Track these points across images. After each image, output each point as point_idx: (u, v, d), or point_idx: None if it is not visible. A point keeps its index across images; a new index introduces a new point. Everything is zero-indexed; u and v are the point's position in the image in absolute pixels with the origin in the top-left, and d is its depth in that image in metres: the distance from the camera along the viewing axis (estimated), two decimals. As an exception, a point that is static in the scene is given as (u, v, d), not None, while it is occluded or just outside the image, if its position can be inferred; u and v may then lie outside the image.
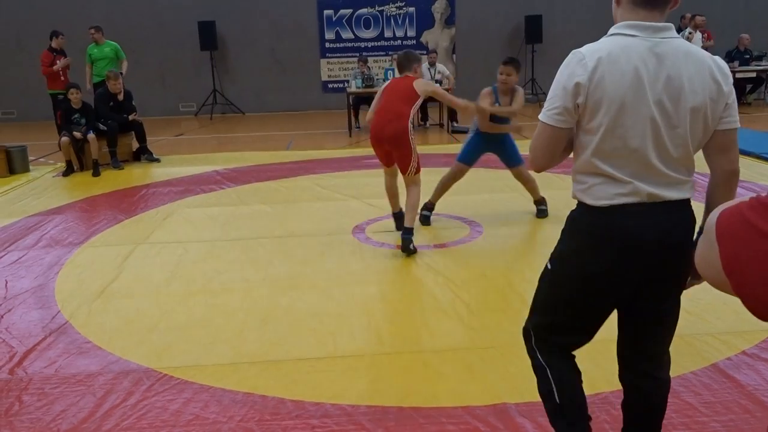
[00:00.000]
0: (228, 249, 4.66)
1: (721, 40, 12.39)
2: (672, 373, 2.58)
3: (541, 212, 5.18)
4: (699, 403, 2.53)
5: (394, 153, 4.50)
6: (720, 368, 2.78)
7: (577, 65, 1.70)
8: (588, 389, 2.65)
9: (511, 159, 5.05)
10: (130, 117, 8.19)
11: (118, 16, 12.66)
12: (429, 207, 5.14)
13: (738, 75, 11.94)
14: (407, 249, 4.32)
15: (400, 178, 4.69)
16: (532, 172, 4.91)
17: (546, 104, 1.79)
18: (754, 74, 12.25)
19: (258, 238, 4.91)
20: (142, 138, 8.33)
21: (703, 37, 11.88)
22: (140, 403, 2.66)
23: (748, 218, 0.77)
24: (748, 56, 12.12)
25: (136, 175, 7.52)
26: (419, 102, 4.53)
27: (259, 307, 3.61)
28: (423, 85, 4.52)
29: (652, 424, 2.06)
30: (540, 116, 1.80)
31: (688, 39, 11.51)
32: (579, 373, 2.09)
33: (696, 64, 1.68)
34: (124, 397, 2.70)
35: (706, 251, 0.83)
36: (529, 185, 5.15)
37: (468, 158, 5.05)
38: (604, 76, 1.66)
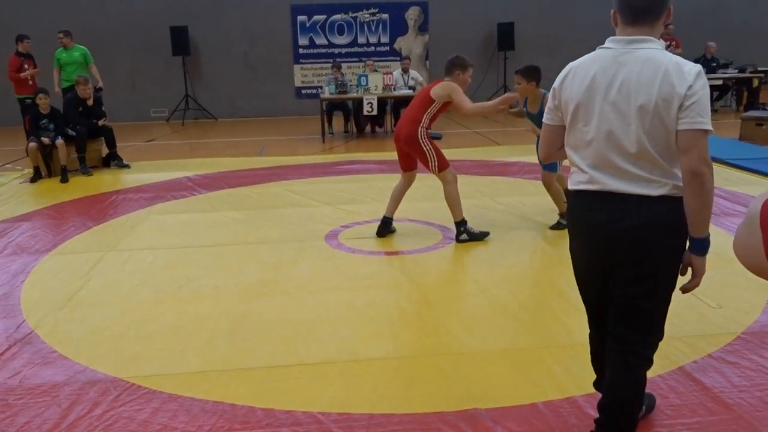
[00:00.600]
0: (199, 256, 4.61)
1: (688, 49, 12.64)
2: (639, 377, 2.62)
3: (559, 225, 4.98)
4: (666, 406, 2.56)
5: (412, 155, 4.82)
6: (686, 371, 2.82)
7: (559, 75, 2.07)
8: (558, 393, 2.69)
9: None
10: (100, 122, 8.08)
11: (88, 20, 12.49)
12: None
13: (705, 83, 12.20)
14: (457, 240, 4.79)
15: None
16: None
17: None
18: (720, 82, 12.53)
19: (229, 244, 4.86)
20: (111, 144, 8.22)
21: (671, 45, 12.13)
22: (107, 413, 2.61)
23: None
24: (714, 64, 12.40)
25: (105, 181, 7.41)
26: (435, 106, 4.64)
27: (229, 315, 3.57)
28: (440, 89, 4.62)
29: (619, 415, 2.13)
30: None
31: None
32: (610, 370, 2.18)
33: (652, 69, 1.86)
34: (90, 408, 2.65)
35: (747, 237, 0.86)
36: (553, 196, 5.05)
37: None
38: (568, 82, 2.02)
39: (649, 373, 2.78)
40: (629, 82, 1.88)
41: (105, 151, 8.29)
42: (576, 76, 1.99)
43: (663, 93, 1.83)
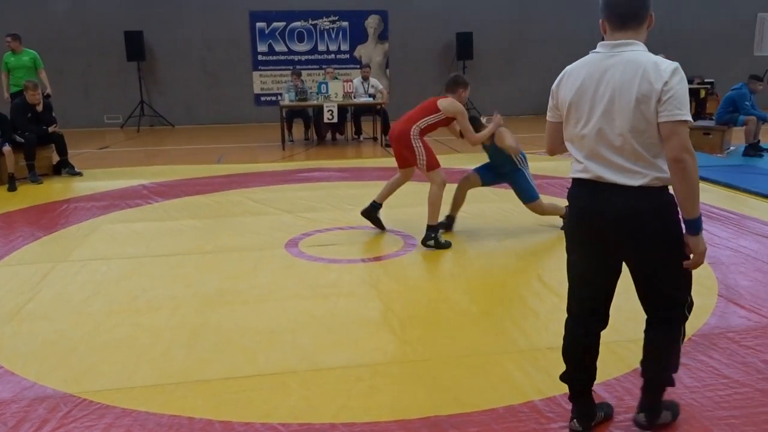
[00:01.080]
0: (154, 266, 4.51)
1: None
2: (596, 380, 2.66)
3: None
4: (622, 407, 2.61)
5: (403, 152, 4.95)
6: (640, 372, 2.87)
7: (558, 77, 2.31)
8: (518, 398, 2.71)
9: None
10: (50, 129, 7.85)
11: (38, 24, 12.15)
12: None
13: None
14: (424, 243, 4.82)
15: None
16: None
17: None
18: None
19: (187, 254, 4.77)
20: (62, 151, 7.99)
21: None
22: (56, 431, 2.51)
23: None
24: (664, 75, 12.75)
25: (56, 189, 7.20)
26: (437, 116, 4.79)
27: (186, 326, 3.50)
28: (449, 104, 4.80)
29: (654, 369, 2.41)
30: None
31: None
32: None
33: (633, 69, 2.07)
34: (38, 426, 2.55)
35: None
36: (548, 214, 5.18)
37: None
38: (563, 83, 2.27)
39: (606, 376, 2.85)
40: (613, 82, 2.10)
41: (56, 158, 8.05)
42: (570, 78, 2.23)
43: (642, 90, 2.04)
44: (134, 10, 12.76)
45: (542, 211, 5.11)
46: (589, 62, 2.19)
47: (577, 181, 2.28)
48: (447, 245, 4.82)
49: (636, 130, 2.07)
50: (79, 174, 7.91)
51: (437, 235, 4.82)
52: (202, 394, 2.79)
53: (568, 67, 2.27)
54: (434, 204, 4.85)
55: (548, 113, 2.39)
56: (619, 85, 2.09)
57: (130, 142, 11.35)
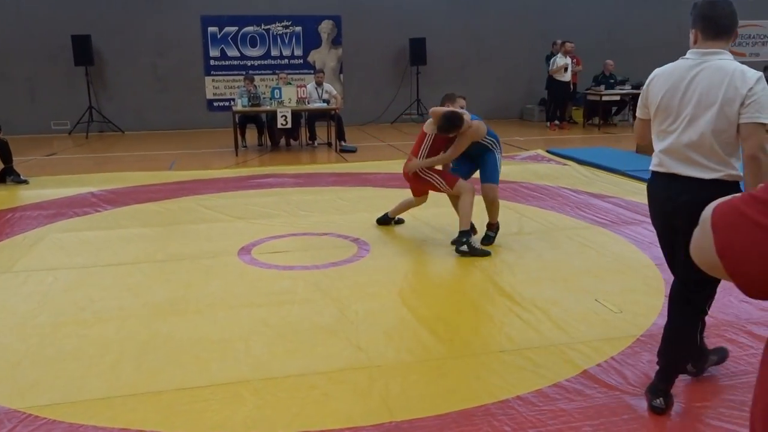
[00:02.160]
0: (103, 275, 4.40)
1: (589, 65, 13.35)
2: (547, 381, 2.71)
3: (488, 238, 5.02)
4: (573, 409, 2.66)
5: (420, 186, 5.17)
6: (591, 374, 2.94)
7: (648, 78, 2.63)
8: (472, 402, 2.74)
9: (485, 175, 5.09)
10: (-7, 135, 7.58)
11: (-21, 27, 11.74)
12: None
13: (604, 98, 12.91)
14: (457, 249, 4.78)
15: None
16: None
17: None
18: (618, 98, 13.27)
19: (136, 263, 4.67)
20: (7, 158, 7.71)
21: (573, 62, 12.75)
22: (-1, 448, 2.43)
23: (743, 211, 0.91)
24: (612, 81, 13.12)
25: (0, 198, 6.95)
26: (429, 138, 4.92)
27: (136, 337, 3.42)
28: (429, 123, 4.94)
29: (671, 355, 2.68)
30: None
31: (563, 66, 12.29)
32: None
33: (721, 75, 2.38)
34: (-20, 443, 2.46)
35: (701, 240, 0.96)
36: (494, 207, 5.07)
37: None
38: (653, 84, 2.60)
39: (557, 378, 2.91)
40: (702, 86, 2.41)
41: (0, 166, 7.77)
42: (659, 80, 2.55)
43: (729, 93, 2.34)
44: (82, 13, 12.44)
45: (493, 197, 4.99)
46: (679, 66, 2.51)
47: (654, 174, 2.65)
48: (483, 254, 4.72)
49: (717, 130, 2.38)
50: (25, 182, 7.65)
51: (470, 241, 4.74)
52: (153, 406, 2.74)
53: (657, 70, 2.60)
54: (465, 210, 4.80)
55: (638, 111, 2.73)
56: (707, 89, 2.39)
57: (79, 148, 11.05)
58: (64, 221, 5.86)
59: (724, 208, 0.95)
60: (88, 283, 4.24)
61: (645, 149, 9.33)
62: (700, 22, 2.47)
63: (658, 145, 2.60)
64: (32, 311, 3.77)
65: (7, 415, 2.66)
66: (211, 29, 13.09)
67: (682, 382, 2.82)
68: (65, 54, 12.14)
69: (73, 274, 4.42)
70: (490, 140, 5.07)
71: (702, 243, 0.95)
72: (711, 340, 3.23)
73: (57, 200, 6.69)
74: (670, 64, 2.55)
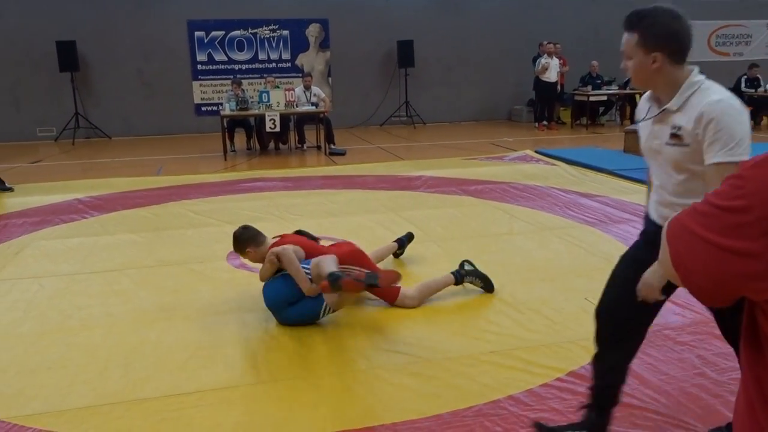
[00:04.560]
0: (89, 282, 4.35)
1: (575, 67, 13.40)
2: (539, 381, 2.69)
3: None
4: (565, 408, 2.65)
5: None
6: (581, 374, 2.93)
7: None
8: (462, 403, 2.72)
9: None
10: (-23, 143, 7.50)
11: (-38, 34, 11.63)
12: None
13: (591, 99, 12.97)
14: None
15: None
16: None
17: (740, 146, 1.87)
18: (605, 98, 13.34)
19: (124, 269, 4.62)
20: (-9, 165, 7.64)
21: (559, 63, 12.80)
22: (-17, 459, 2.39)
23: (684, 222, 0.95)
24: (599, 81, 13.18)
25: (-16, 205, 6.87)
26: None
27: (124, 343, 3.38)
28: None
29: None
30: (735, 157, 1.86)
31: (545, 66, 12.35)
32: None
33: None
34: (-37, 455, 2.41)
35: (662, 251, 1.01)
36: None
37: None
38: None
39: (548, 377, 2.90)
40: None
41: (-16, 173, 7.70)
42: None
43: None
44: (66, 19, 12.35)
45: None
46: None
47: None
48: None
49: None
50: (10, 189, 7.56)
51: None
52: (141, 413, 2.70)
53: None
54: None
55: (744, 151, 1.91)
56: None
57: (65, 155, 10.95)
58: (50, 228, 5.80)
59: (674, 221, 0.99)
60: (74, 291, 4.18)
61: (633, 149, 9.38)
62: (671, 42, 1.99)
63: None
64: (17, 320, 3.72)
65: (-9, 425, 2.62)
66: (197, 33, 13.03)
67: (681, 382, 2.82)
68: (50, 60, 12.05)
69: (59, 281, 4.37)
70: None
71: (663, 255, 0.99)
72: (700, 338, 3.23)
73: (42, 207, 6.62)
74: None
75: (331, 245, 4.09)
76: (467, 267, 4.00)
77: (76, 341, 3.42)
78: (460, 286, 3.97)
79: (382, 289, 3.56)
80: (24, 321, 3.70)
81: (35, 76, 12.39)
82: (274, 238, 3.89)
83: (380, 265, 4.27)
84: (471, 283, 3.95)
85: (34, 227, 5.83)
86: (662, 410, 2.63)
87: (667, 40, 1.98)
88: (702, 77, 2.02)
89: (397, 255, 4.67)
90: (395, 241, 4.66)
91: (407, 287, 3.84)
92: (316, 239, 3.98)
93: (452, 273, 3.96)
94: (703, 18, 15.51)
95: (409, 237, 4.75)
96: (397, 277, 3.41)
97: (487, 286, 3.96)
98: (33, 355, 3.27)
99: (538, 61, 12.47)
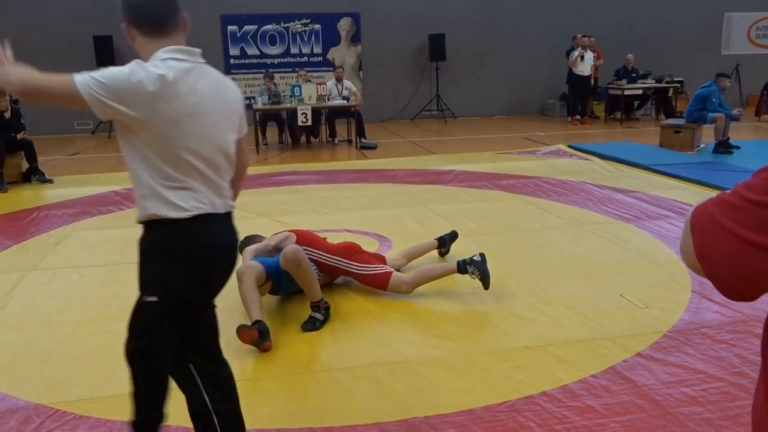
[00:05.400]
0: (127, 273, 4.42)
1: (609, 60, 13.19)
2: (573, 377, 2.67)
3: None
4: (599, 406, 2.63)
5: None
6: (617, 370, 2.91)
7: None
8: (496, 398, 2.71)
9: None
10: (19, 136, 7.70)
11: (3, 28, 11.90)
12: None
13: (626, 92, 12.76)
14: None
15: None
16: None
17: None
18: (640, 92, 13.11)
19: (160, 260, 4.70)
20: (32, 158, 7.84)
21: (594, 56, 12.62)
22: (28, 442, 2.46)
23: (711, 212, 0.91)
24: (634, 75, 12.96)
25: (25, 197, 7.06)
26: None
27: (161, 333, 3.44)
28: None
29: None
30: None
31: (581, 57, 12.19)
32: None
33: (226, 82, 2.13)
34: (10, 438, 2.49)
35: (684, 241, 0.96)
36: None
37: None
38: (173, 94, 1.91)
39: (582, 374, 2.87)
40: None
41: (25, 165, 7.89)
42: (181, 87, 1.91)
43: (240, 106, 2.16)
44: (103, 14, 12.56)
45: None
46: (193, 70, 2.00)
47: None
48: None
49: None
50: (50, 181, 7.76)
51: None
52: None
53: (168, 75, 1.88)
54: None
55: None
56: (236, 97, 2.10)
57: (102, 148, 11.18)
58: (89, 219, 5.93)
59: (700, 211, 0.95)
60: (112, 280, 4.28)
61: (669, 144, 9.21)
62: (134, 13, 2.00)
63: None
64: (58, 308, 3.82)
65: (35, 410, 2.70)
66: (230, 28, 13.16)
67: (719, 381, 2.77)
68: (87, 54, 12.28)
69: (98, 271, 4.47)
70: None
71: (685, 245, 0.95)
72: (739, 336, 3.18)
73: (81, 199, 6.77)
74: (177, 67, 1.94)
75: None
76: (476, 258, 3.85)
77: (115, 330, 3.48)
78: (466, 276, 3.85)
79: (366, 278, 3.87)
80: (65, 309, 3.80)
81: (73, 71, 12.57)
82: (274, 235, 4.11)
83: (421, 261, 4.29)
84: (472, 274, 3.82)
85: (73, 218, 5.97)
86: (698, 410, 2.59)
87: (132, 11, 1.93)
88: (170, 55, 1.93)
89: (442, 254, 4.62)
90: (436, 239, 4.61)
91: (404, 274, 3.93)
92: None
93: (457, 262, 3.88)
94: (742, 10, 15.13)
95: (452, 236, 4.66)
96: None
97: (485, 282, 3.76)
98: (74, 343, 3.35)
99: (572, 54, 12.31)
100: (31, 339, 3.41)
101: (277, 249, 3.85)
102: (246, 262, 3.68)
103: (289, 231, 4.11)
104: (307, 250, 3.76)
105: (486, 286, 3.77)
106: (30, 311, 3.79)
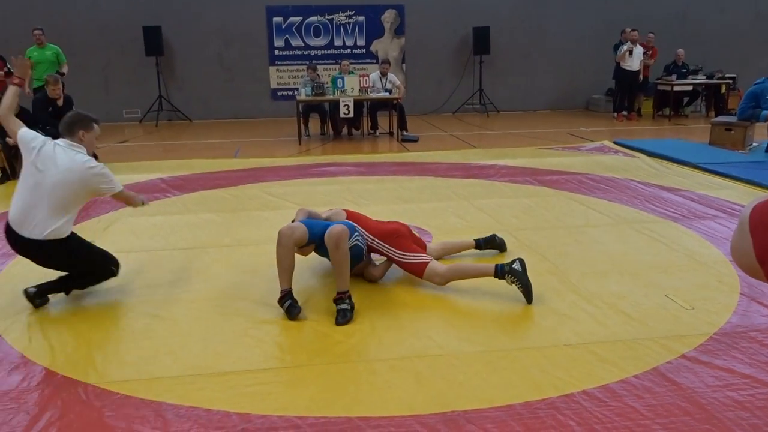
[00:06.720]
0: (172, 259, 4.54)
1: (658, 54, 12.86)
2: (614, 377, 2.63)
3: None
4: (642, 407, 2.58)
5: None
6: (661, 372, 2.85)
7: None
8: (535, 395, 2.69)
9: None
10: (71, 123, 7.92)
11: (58, 19, 12.26)
12: None
13: (675, 88, 12.43)
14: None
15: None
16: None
17: None
18: (690, 88, 12.75)
19: (204, 247, 4.80)
20: (83, 145, 8.05)
21: (648, 54, 12.33)
22: (77, 419, 2.54)
23: None
24: (684, 70, 12.61)
25: (76, 182, 7.25)
26: None
27: (204, 318, 3.52)
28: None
29: None
30: None
31: (629, 52, 11.92)
32: None
33: None
34: (60, 414, 2.58)
35: (739, 242, 0.89)
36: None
37: None
38: None
39: (625, 374, 2.82)
40: None
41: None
42: None
43: None
44: (152, 5, 12.83)
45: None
46: None
47: None
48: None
49: None
50: (99, 168, 7.96)
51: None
52: (220, 386, 2.81)
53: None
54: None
55: None
56: None
57: (149, 136, 11.43)
58: (136, 206, 6.07)
59: (760, 208, 0.88)
60: (157, 266, 4.38)
61: (719, 142, 8.94)
62: None
63: None
64: (105, 292, 3.93)
65: (83, 389, 2.78)
66: (275, 19, 13.28)
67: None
68: (137, 45, 12.56)
69: (144, 256, 4.58)
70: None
71: (741, 246, 0.88)
72: (791, 341, 3.07)
73: (129, 185, 6.89)
74: None
75: (383, 221, 4.27)
76: (516, 266, 3.68)
77: (160, 314, 3.58)
78: (503, 281, 3.71)
79: (405, 265, 3.94)
80: (112, 293, 3.91)
81: (123, 60, 12.95)
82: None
83: (454, 257, 4.30)
84: (512, 283, 3.67)
85: (121, 204, 6.11)
86: (744, 415, 2.52)
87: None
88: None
89: (480, 248, 4.53)
90: (475, 240, 4.55)
91: (440, 264, 3.92)
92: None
93: (495, 265, 3.74)
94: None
95: (488, 241, 4.53)
96: None
97: (527, 295, 3.63)
98: (121, 326, 3.45)
99: (620, 48, 12.04)
100: (79, 320, 3.52)
101: (328, 221, 3.93)
102: (296, 221, 3.77)
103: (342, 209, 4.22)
104: None
105: (529, 300, 3.63)
106: (79, 293, 3.90)
